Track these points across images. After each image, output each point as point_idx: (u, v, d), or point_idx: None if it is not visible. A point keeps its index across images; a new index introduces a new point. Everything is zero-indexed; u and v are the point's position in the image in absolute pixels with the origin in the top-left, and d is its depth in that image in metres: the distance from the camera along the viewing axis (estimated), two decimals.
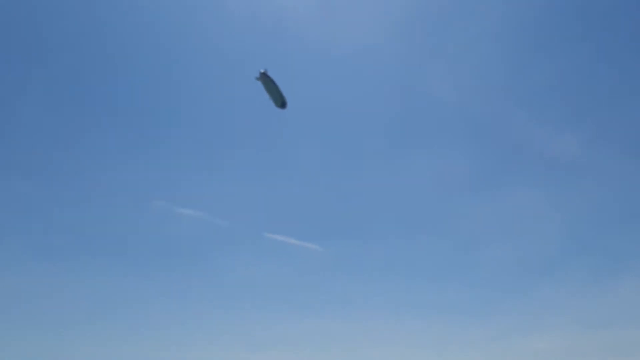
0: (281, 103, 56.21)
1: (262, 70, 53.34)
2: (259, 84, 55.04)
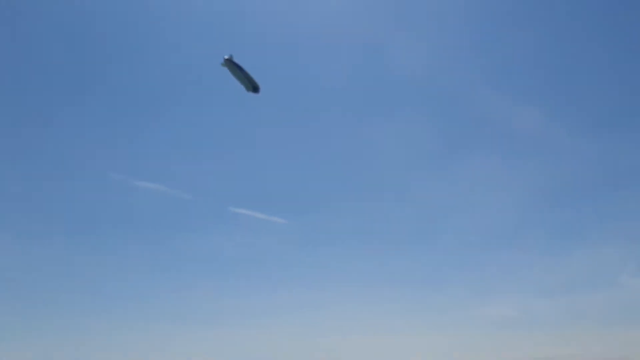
0: (252, 87, 58.01)
1: (226, 57, 55.36)
2: (227, 70, 57.21)
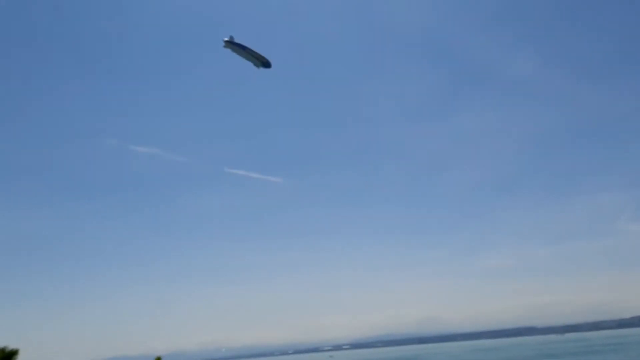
0: (262, 63, 57.12)
1: (225, 39, 54.34)
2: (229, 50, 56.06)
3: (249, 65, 58.02)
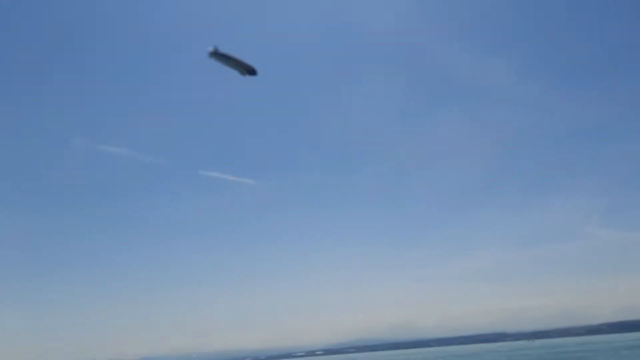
0: (247, 71, 56.93)
1: (210, 49, 54.08)
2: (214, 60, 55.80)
3: (226, 69, 57.81)
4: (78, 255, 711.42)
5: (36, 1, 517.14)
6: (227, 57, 54.93)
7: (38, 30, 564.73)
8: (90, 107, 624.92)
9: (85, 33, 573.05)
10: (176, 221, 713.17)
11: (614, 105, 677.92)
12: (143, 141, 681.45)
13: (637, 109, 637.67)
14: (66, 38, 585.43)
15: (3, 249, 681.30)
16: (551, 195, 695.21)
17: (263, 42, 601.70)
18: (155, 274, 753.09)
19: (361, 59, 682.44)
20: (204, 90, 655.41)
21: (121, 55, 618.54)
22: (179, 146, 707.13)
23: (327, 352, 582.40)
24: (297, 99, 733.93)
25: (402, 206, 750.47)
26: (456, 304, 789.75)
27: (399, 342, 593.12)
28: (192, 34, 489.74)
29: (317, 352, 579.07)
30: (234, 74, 56.76)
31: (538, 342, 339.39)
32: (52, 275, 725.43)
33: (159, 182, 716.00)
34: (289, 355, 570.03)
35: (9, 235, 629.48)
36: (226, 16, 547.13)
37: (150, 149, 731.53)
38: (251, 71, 56.03)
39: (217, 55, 54.13)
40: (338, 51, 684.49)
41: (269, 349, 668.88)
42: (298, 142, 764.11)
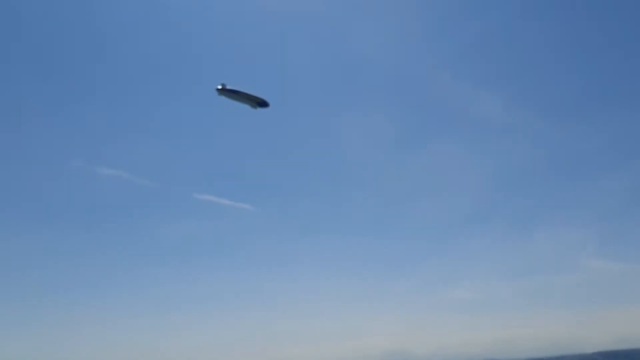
0: (257, 104, 58.98)
1: (218, 87, 56.25)
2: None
3: (237, 105, 59.83)
4: (66, 276, 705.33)
5: (35, 21, 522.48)
6: (236, 92, 57.29)
7: (37, 51, 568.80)
8: (88, 129, 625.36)
9: (86, 54, 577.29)
10: (170, 244, 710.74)
11: (607, 136, 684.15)
12: (139, 164, 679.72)
13: (630, 140, 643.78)
14: (66, 58, 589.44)
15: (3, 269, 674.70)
16: (542, 227, 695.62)
17: (255, 71, 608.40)
18: (144, 297, 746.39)
19: (356, 88, 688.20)
20: (202, 116, 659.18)
21: (120, 77, 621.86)
22: (175, 169, 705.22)
23: None
24: (293, 126, 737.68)
25: (394, 236, 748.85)
26: (449, 332, 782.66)
27: None
28: (184, 58, 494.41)
29: None
30: (243, 107, 59.21)
31: None
32: (35, 294, 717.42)
33: (154, 204, 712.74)
34: None
35: (5, 257, 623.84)
36: (217, 44, 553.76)
37: (146, 171, 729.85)
38: (262, 103, 58.03)
39: (225, 91, 56.45)
40: (332, 80, 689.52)
41: None
42: (294, 169, 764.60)
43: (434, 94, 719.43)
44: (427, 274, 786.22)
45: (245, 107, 61.22)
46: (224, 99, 57.42)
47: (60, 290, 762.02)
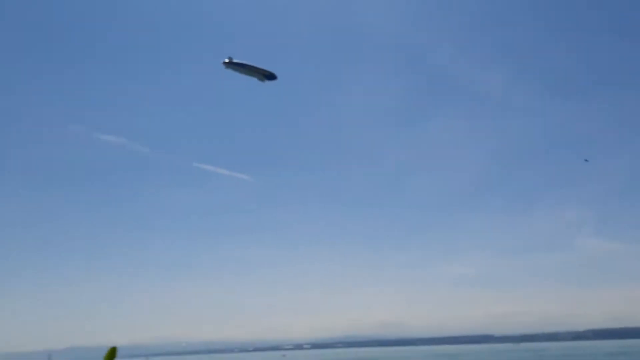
0: (265, 77, 59.52)
1: (225, 60, 56.60)
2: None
3: (243, 77, 60.32)
4: (68, 241, 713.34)
5: None
6: (242, 65, 57.78)
7: (38, 17, 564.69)
8: (88, 95, 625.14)
9: (87, 19, 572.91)
10: (168, 212, 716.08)
11: (607, 117, 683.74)
12: (139, 131, 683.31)
13: (629, 121, 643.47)
14: (67, 24, 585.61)
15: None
16: (541, 205, 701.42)
17: (257, 40, 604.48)
18: (145, 262, 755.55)
19: (358, 60, 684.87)
20: (202, 85, 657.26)
21: (121, 44, 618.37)
22: (175, 138, 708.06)
23: (315, 346, 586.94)
24: (294, 97, 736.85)
25: (394, 209, 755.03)
26: (444, 306, 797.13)
27: (386, 340, 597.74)
28: (187, 29, 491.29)
29: (305, 346, 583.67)
30: (248, 79, 59.76)
31: (524, 346, 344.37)
32: (34, 259, 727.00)
33: (153, 172, 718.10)
34: (277, 348, 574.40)
35: (1, 216, 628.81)
36: (220, 13, 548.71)
37: (145, 139, 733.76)
38: (270, 76, 58.57)
39: (232, 64, 56.90)
40: (335, 51, 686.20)
41: (257, 341, 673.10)
42: (294, 140, 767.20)
43: (437, 68, 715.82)
44: (425, 249, 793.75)
45: (250, 80, 61.62)
46: (230, 72, 57.93)
47: (56, 252, 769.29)
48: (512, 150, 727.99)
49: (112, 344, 8.46)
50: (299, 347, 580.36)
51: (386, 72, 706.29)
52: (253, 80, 61.93)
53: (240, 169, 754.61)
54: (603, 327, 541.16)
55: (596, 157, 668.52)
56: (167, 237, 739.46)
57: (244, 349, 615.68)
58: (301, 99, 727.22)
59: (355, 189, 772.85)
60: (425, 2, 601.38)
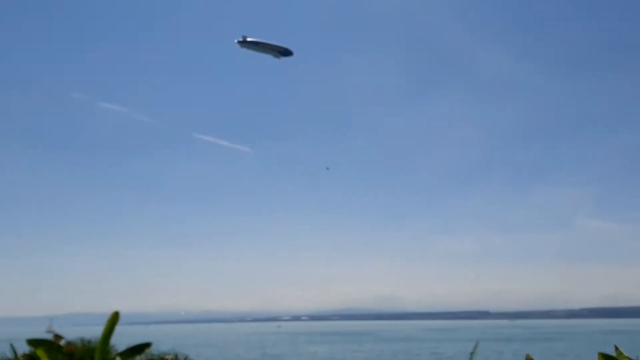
0: (280, 53, 59.27)
1: (239, 39, 56.52)
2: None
3: (259, 56, 59.91)
4: (70, 208, 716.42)
5: None
6: (256, 43, 57.67)
7: None
8: (91, 63, 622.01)
9: None
10: (169, 181, 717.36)
11: (610, 97, 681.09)
12: (141, 101, 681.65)
13: (632, 102, 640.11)
14: None
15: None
16: (543, 184, 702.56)
17: (258, 9, 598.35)
18: (145, 232, 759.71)
19: (364, 36, 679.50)
20: (204, 56, 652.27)
21: (124, 14, 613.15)
22: (176, 108, 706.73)
23: (313, 318, 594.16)
24: (298, 72, 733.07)
25: (395, 184, 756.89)
26: (441, 282, 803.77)
27: (382, 314, 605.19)
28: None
29: (303, 318, 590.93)
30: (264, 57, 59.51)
31: (519, 322, 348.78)
32: (36, 224, 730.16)
33: (154, 141, 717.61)
34: (275, 319, 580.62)
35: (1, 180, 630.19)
36: None
37: (147, 108, 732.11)
38: (285, 52, 58.33)
39: (246, 43, 56.84)
40: (340, 27, 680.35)
41: (256, 312, 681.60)
42: (296, 114, 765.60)
43: (443, 45, 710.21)
44: (424, 224, 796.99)
45: (254, 55, 61.57)
46: (244, 50, 58.05)
47: (58, 218, 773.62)
48: (515, 128, 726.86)
49: (112, 311, 8.82)
50: (296, 318, 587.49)
51: (392, 49, 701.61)
52: (258, 55, 61.99)
53: (241, 141, 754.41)
54: (598, 305, 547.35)
55: (600, 136, 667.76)
56: (168, 206, 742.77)
57: (242, 319, 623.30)
58: (306, 74, 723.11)
59: (357, 163, 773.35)
60: None
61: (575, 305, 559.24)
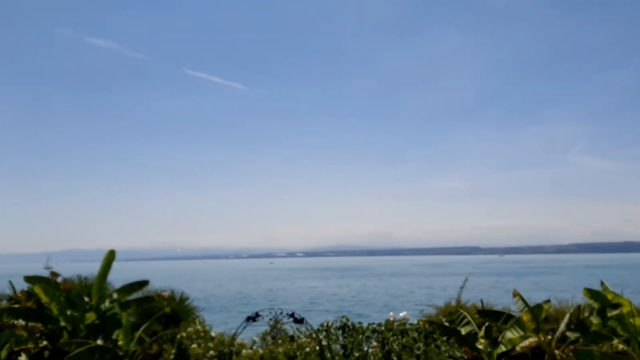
0: None
1: None
2: None
3: None
4: (61, 146, 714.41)
5: None
6: None
7: None
8: None
9: None
10: (159, 117, 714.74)
11: (611, 32, 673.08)
12: (129, 35, 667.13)
13: (629, 39, 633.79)
14: None
15: None
16: (536, 119, 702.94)
17: None
18: (138, 171, 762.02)
19: None
20: None
21: None
22: (165, 43, 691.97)
23: (307, 254, 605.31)
24: (291, 4, 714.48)
25: (389, 121, 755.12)
26: (433, 218, 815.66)
27: (375, 250, 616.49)
28: None
29: (298, 254, 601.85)
30: None
31: (508, 257, 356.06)
32: (29, 164, 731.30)
33: (143, 76, 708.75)
34: (270, 256, 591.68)
35: None
36: None
37: (136, 43, 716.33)
38: None
39: None
40: None
41: (251, 249, 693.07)
42: (290, 49, 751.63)
43: None
44: (418, 162, 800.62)
45: None
46: None
47: (54, 157, 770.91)
48: (512, 64, 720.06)
49: (109, 248, 8.95)
50: (291, 254, 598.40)
51: None
52: None
53: (234, 78, 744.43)
54: (587, 241, 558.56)
55: (598, 72, 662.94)
56: (160, 145, 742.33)
57: (238, 255, 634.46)
58: (299, 6, 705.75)
59: (350, 100, 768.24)
60: None
61: (565, 240, 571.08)
